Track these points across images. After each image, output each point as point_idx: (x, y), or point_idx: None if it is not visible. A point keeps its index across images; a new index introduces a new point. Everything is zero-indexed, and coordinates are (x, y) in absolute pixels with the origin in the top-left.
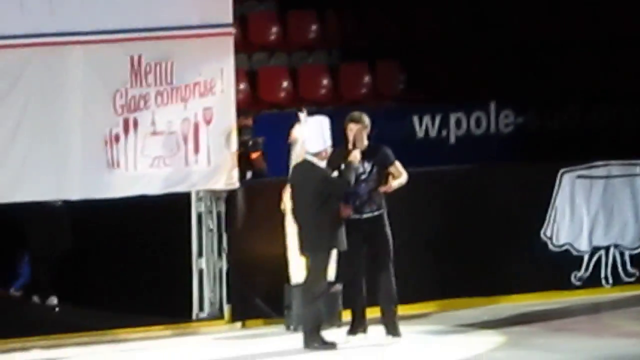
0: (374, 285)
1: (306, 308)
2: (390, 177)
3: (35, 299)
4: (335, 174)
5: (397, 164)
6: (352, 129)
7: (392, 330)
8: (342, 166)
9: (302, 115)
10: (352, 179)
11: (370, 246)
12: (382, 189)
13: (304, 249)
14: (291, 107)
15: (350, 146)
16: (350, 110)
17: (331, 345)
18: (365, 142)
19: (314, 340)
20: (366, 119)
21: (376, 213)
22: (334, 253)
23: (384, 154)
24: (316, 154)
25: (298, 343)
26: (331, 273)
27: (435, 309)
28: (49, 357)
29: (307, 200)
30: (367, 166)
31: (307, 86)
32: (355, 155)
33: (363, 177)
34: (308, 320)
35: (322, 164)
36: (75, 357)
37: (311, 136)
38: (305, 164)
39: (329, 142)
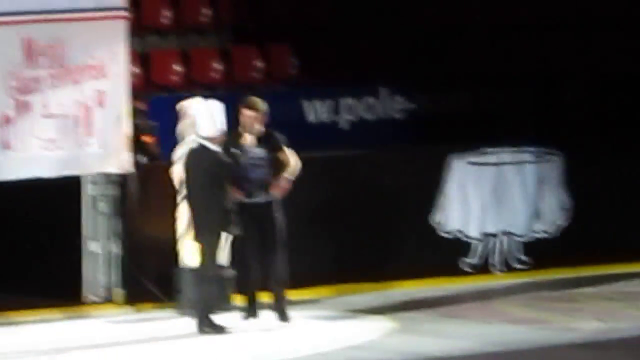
0: (265, 270)
1: (197, 292)
2: (280, 175)
3: None
4: (226, 158)
5: (286, 149)
6: (248, 115)
7: (282, 315)
8: (234, 150)
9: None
10: (245, 164)
11: (262, 231)
12: (273, 191)
13: (196, 233)
14: (183, 90)
15: (241, 130)
16: (243, 94)
17: (222, 329)
18: (260, 128)
19: (204, 323)
20: (262, 106)
21: (269, 198)
22: (226, 237)
23: (276, 139)
24: (209, 139)
25: (189, 327)
26: (223, 257)
27: (326, 294)
28: None
29: (200, 184)
30: (260, 151)
31: (199, 69)
32: (247, 139)
33: (256, 162)
34: (199, 304)
35: (217, 147)
36: None
37: (204, 120)
38: (198, 148)
39: (221, 126)
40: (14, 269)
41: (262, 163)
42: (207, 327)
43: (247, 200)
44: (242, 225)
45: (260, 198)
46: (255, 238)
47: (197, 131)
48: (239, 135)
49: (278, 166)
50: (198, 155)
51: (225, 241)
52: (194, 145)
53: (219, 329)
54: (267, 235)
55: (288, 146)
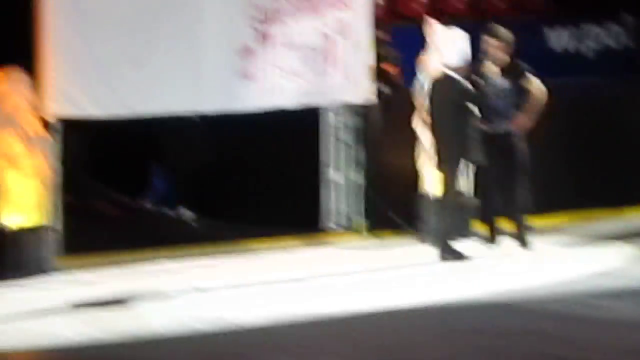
0: (507, 198)
1: (441, 219)
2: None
3: (169, 211)
4: (472, 87)
5: (532, 79)
6: (492, 44)
7: (523, 242)
8: (480, 80)
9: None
10: (490, 94)
11: (504, 159)
12: (515, 128)
13: (439, 161)
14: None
15: (489, 60)
16: (487, 24)
17: (463, 256)
18: (505, 58)
19: (446, 251)
20: (507, 35)
21: (511, 128)
22: (470, 166)
23: (520, 68)
24: (454, 68)
25: (431, 254)
26: (465, 185)
27: (567, 222)
28: (179, 267)
29: (444, 112)
30: (504, 82)
31: None
32: (492, 69)
33: (499, 92)
34: (440, 232)
35: (459, 76)
36: (206, 267)
37: (449, 50)
38: (443, 78)
39: (467, 57)
40: (256, 198)
41: (505, 93)
42: (448, 254)
43: (490, 129)
44: (485, 154)
45: (502, 128)
46: (497, 166)
47: (442, 60)
48: (483, 65)
49: (524, 97)
50: (442, 84)
51: (468, 169)
52: (438, 74)
53: (460, 256)
54: (509, 163)
55: (532, 76)
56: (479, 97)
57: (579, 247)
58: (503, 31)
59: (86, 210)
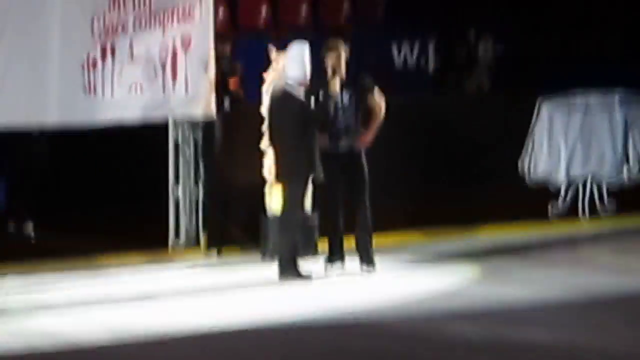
0: (351, 216)
1: (282, 238)
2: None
3: (11, 226)
4: (313, 103)
5: (377, 93)
6: (330, 57)
7: (367, 260)
8: (321, 96)
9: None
10: (331, 109)
11: (346, 176)
12: (357, 145)
13: (281, 176)
14: (271, 33)
15: (329, 73)
16: (330, 37)
17: (306, 276)
18: (343, 69)
19: (289, 270)
20: (343, 46)
21: (355, 145)
22: (311, 184)
23: (362, 83)
24: (295, 83)
25: (273, 273)
26: (308, 203)
27: (412, 240)
28: (25, 283)
29: (286, 129)
30: (346, 96)
31: (286, 11)
32: (334, 85)
33: (342, 108)
34: (284, 250)
35: (301, 91)
36: (51, 283)
37: (291, 64)
38: (284, 93)
39: (308, 71)
40: (102, 214)
41: (348, 108)
42: (292, 273)
43: (332, 146)
44: (328, 172)
45: (345, 145)
46: (341, 184)
47: (287, 75)
48: (324, 80)
49: (366, 112)
50: (283, 99)
51: (309, 186)
52: (277, 90)
53: (303, 276)
54: (352, 181)
55: (373, 89)
56: (319, 113)
57: (421, 267)
58: (338, 41)
59: None
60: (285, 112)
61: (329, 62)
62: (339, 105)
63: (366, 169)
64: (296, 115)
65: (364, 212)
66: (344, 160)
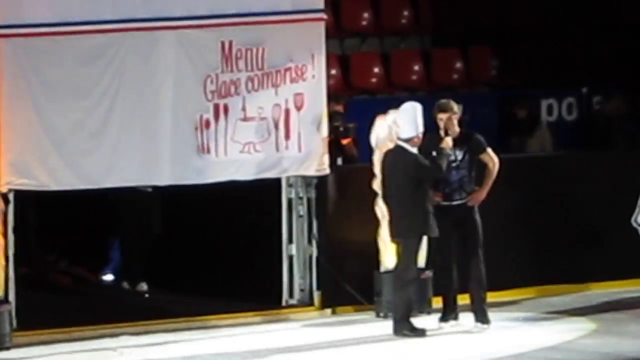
0: (464, 272)
1: (397, 295)
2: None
3: (126, 285)
4: (426, 160)
5: (489, 151)
6: (441, 117)
7: (481, 317)
8: (434, 153)
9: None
10: (444, 166)
11: (460, 233)
12: (470, 202)
13: (395, 234)
14: (383, 93)
15: (442, 133)
16: (442, 96)
17: (421, 332)
18: (457, 129)
19: (404, 327)
20: (454, 106)
21: (466, 200)
22: (425, 239)
23: (476, 141)
24: (408, 140)
25: (388, 330)
26: (422, 259)
27: (525, 296)
28: (139, 343)
29: (399, 186)
30: (459, 153)
31: (399, 71)
32: (447, 142)
33: (454, 164)
34: (398, 307)
35: (414, 150)
36: (165, 344)
37: (404, 122)
38: (397, 150)
39: (421, 128)
40: (215, 272)
41: (460, 165)
42: (407, 330)
43: (445, 202)
44: (440, 227)
45: (458, 200)
46: (454, 240)
47: (398, 133)
48: (437, 138)
49: (481, 168)
50: (396, 156)
51: (423, 243)
52: (392, 147)
53: (418, 332)
54: (465, 237)
55: (487, 148)
56: (433, 169)
57: (535, 322)
58: (449, 102)
59: (41, 282)
60: (398, 170)
61: (441, 122)
62: (453, 161)
63: (479, 225)
64: (409, 172)
65: (477, 267)
66: (456, 214)
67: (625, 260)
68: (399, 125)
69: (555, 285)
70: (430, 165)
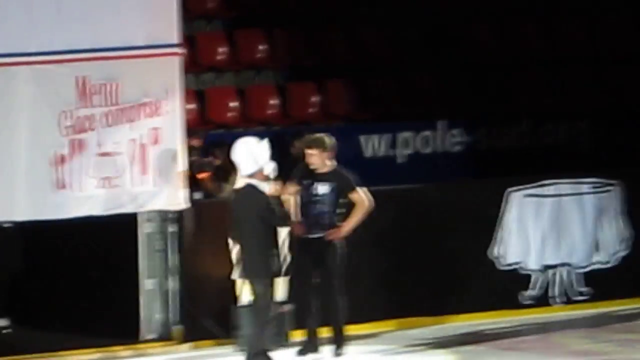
0: (324, 305)
1: (252, 329)
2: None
3: None
4: (276, 207)
5: (359, 190)
6: (311, 153)
7: (340, 349)
8: (304, 182)
9: None
10: (292, 215)
11: (320, 265)
12: (329, 237)
13: (246, 273)
14: (239, 127)
15: (308, 166)
16: (299, 130)
17: None
18: (331, 164)
19: None
20: (327, 143)
21: (324, 234)
22: (284, 272)
23: (345, 180)
24: (251, 176)
25: None
26: (281, 293)
27: (385, 329)
28: None
29: (249, 226)
30: (325, 189)
31: (255, 106)
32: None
33: (314, 198)
34: (253, 343)
35: (264, 184)
36: None
37: (239, 159)
38: (246, 188)
39: (262, 162)
40: (72, 307)
41: (321, 200)
42: None
43: (305, 236)
44: (300, 261)
45: (316, 234)
46: (314, 273)
47: (240, 172)
48: (308, 169)
49: (343, 202)
50: (246, 195)
51: (283, 276)
52: (241, 184)
53: None
54: (325, 269)
55: (356, 187)
56: (279, 218)
57: (395, 355)
58: (323, 138)
59: None
60: (248, 210)
61: (310, 157)
62: (314, 196)
63: (341, 258)
64: (259, 214)
65: (336, 300)
66: (315, 248)
67: (484, 292)
68: (238, 163)
69: (415, 317)
70: (277, 214)
